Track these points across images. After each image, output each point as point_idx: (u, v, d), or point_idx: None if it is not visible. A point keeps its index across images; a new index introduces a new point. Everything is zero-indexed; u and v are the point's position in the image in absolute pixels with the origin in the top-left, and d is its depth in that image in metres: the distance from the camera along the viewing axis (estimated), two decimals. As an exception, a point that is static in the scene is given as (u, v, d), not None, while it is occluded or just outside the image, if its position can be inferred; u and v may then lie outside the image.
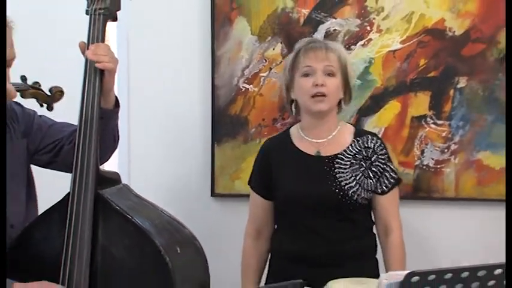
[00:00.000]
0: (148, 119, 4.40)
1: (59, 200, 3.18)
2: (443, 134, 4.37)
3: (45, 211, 3.15)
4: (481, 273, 2.72)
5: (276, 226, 3.89)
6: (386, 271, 3.72)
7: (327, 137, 3.80)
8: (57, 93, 2.78)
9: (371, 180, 3.74)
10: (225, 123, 4.46)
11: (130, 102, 4.08)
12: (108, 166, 3.79)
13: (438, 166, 4.36)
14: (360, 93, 4.32)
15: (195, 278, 3.36)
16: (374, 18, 4.37)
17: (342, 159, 3.76)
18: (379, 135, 4.15)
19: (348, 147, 3.78)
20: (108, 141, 3.43)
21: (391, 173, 3.78)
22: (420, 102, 4.40)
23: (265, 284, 3.91)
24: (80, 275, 3.15)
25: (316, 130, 3.78)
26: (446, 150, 4.34)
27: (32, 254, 3.20)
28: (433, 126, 4.38)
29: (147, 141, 4.49)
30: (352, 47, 4.32)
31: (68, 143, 3.22)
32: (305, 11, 4.39)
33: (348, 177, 3.72)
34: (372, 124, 4.37)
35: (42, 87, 2.73)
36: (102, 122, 3.13)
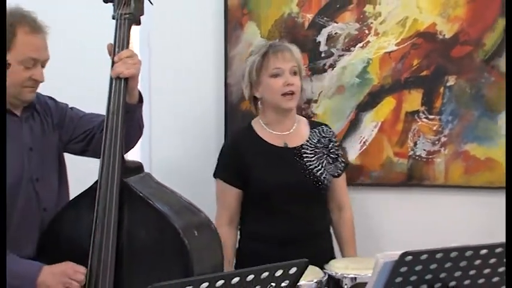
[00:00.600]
0: (167, 114, 4.41)
1: (88, 187, 3.22)
2: (434, 128, 4.39)
3: (75, 197, 3.18)
4: (468, 253, 2.73)
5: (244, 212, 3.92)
6: (340, 243, 3.95)
7: (290, 130, 3.88)
8: None
9: (331, 165, 3.89)
10: (236, 118, 4.47)
11: (152, 99, 4.09)
12: (132, 157, 3.81)
13: (429, 156, 4.38)
14: (358, 90, 4.35)
15: (210, 258, 3.36)
16: (372, 23, 4.38)
17: (307, 149, 3.87)
18: (376, 129, 4.19)
19: (309, 138, 3.89)
20: (134, 130, 3.47)
21: (342, 158, 3.97)
22: (413, 99, 4.40)
23: (236, 266, 3.89)
24: (107, 255, 3.17)
25: (281, 124, 3.86)
26: (437, 142, 4.35)
27: (63, 235, 3.22)
28: (425, 120, 4.39)
29: (167, 134, 4.50)
30: (352, 48, 4.33)
31: (98, 132, 3.25)
32: (309, 16, 4.40)
33: (316, 164, 3.84)
34: (370, 119, 4.39)
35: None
36: (129, 115, 3.16)
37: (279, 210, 3.76)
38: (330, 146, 3.88)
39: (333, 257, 3.81)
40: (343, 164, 3.94)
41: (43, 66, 3.19)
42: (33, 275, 3.06)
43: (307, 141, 3.84)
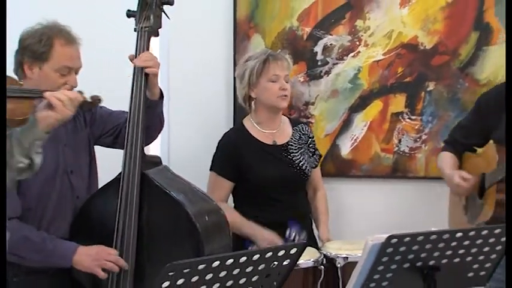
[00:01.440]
0: (184, 113, 4.41)
1: (113, 177, 3.25)
2: (416, 127, 4.40)
3: (103, 186, 3.20)
4: (445, 236, 2.74)
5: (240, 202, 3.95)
6: (316, 215, 4.01)
7: (276, 129, 3.90)
8: (96, 100, 2.80)
9: (310, 158, 3.94)
10: (243, 115, 4.46)
11: (170, 100, 4.08)
12: (152, 151, 3.82)
13: (412, 152, 4.40)
14: (350, 94, 4.36)
15: (219, 240, 3.38)
16: (362, 35, 4.38)
17: (292, 145, 3.91)
18: (366, 128, 4.21)
19: (292, 136, 3.92)
20: (156, 123, 3.49)
21: (317, 151, 4.03)
22: (398, 102, 4.41)
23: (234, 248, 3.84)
24: (129, 236, 3.21)
25: (271, 123, 3.90)
26: (418, 140, 4.37)
27: (92, 219, 3.23)
28: (408, 120, 4.40)
29: (183, 130, 4.50)
30: (345, 57, 4.34)
31: (124, 127, 3.25)
32: (307, 29, 4.40)
33: (301, 159, 3.90)
34: (360, 119, 4.40)
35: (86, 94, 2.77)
36: (150, 109, 3.20)
37: (272, 199, 3.81)
38: (309, 141, 3.95)
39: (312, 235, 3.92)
40: (318, 157, 4.01)
41: (76, 73, 3.20)
42: (69, 254, 3.08)
43: (291, 138, 3.89)
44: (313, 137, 4.01)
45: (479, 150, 3.84)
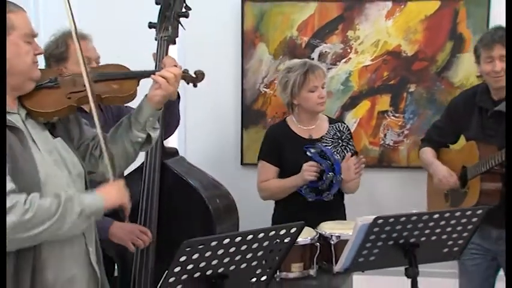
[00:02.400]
0: (198, 112, 4.41)
1: (138, 166, 3.28)
2: (399, 123, 4.41)
3: (129, 172, 3.18)
4: (424, 218, 2.74)
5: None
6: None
7: (314, 125, 3.84)
8: (199, 75, 2.78)
9: (344, 152, 3.82)
10: (250, 115, 4.49)
11: (187, 100, 4.08)
12: (171, 144, 3.82)
13: (395, 145, 4.41)
14: (342, 95, 4.37)
15: (228, 221, 3.43)
16: (352, 44, 4.39)
17: (326, 139, 3.82)
18: (356, 124, 4.22)
19: (328, 132, 3.84)
20: (173, 120, 3.54)
21: (351, 147, 3.88)
22: (383, 101, 4.42)
23: (273, 222, 3.89)
24: (151, 217, 3.27)
25: (309, 121, 3.82)
26: (401, 134, 4.38)
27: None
28: (392, 117, 4.41)
29: (198, 127, 4.51)
30: (338, 63, 4.35)
31: None
32: (306, 39, 4.41)
33: (335, 152, 3.79)
34: (351, 116, 4.40)
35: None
36: (169, 109, 3.18)
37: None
38: (343, 137, 3.85)
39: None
40: (353, 151, 3.86)
41: (97, 63, 3.22)
42: (106, 227, 3.09)
43: (326, 134, 3.82)
44: (349, 134, 3.91)
45: (455, 146, 3.84)
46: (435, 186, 3.82)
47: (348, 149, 3.84)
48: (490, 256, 3.53)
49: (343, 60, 4.39)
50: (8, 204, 2.11)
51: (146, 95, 2.59)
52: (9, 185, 2.16)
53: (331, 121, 3.90)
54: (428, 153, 3.82)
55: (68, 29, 3.00)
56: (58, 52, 3.17)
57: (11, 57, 2.28)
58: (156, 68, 3.07)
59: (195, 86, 2.84)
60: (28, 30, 2.34)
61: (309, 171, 3.65)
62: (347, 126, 3.95)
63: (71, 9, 2.52)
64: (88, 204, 2.33)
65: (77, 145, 2.59)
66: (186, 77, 2.72)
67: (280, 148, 3.82)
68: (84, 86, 2.47)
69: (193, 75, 2.77)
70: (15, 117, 2.34)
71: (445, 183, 3.65)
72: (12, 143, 2.25)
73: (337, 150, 3.80)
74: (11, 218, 2.11)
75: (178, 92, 3.11)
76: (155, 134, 2.66)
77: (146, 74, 2.61)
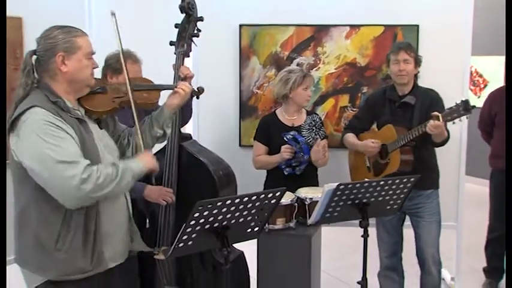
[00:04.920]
0: (207, 107, 4.38)
1: (161, 147, 3.28)
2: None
3: (155, 152, 3.15)
4: (373, 183, 2.76)
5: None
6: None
7: (296, 116, 3.83)
8: (200, 90, 2.81)
9: (316, 136, 3.82)
10: (246, 109, 4.45)
11: (199, 98, 4.08)
12: (187, 131, 3.81)
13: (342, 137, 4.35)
14: (314, 94, 4.30)
15: (228, 188, 3.44)
16: (321, 57, 4.37)
17: (304, 127, 3.82)
18: (324, 116, 4.21)
19: (305, 121, 3.84)
20: (188, 114, 3.56)
21: (323, 133, 3.89)
22: (344, 99, 4.39)
23: (264, 188, 3.87)
24: (172, 183, 3.28)
25: (293, 113, 3.83)
26: (344, 129, 4.29)
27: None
28: (350, 111, 4.38)
29: (206, 118, 4.48)
30: (310, 71, 4.27)
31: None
32: (286, 53, 4.38)
33: (310, 136, 3.81)
34: (320, 110, 4.37)
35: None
36: (186, 106, 3.15)
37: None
38: (317, 125, 3.85)
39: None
40: (323, 136, 3.86)
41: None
42: (141, 189, 3.13)
43: (304, 122, 3.82)
44: (321, 123, 3.90)
45: (373, 130, 3.89)
46: (355, 162, 3.99)
47: (319, 134, 3.84)
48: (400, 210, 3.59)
49: (314, 68, 4.35)
50: (84, 176, 2.19)
51: (166, 102, 2.67)
52: (85, 161, 2.24)
53: (308, 113, 3.91)
54: (351, 137, 3.89)
55: (128, 50, 3.00)
56: (116, 66, 3.19)
57: (76, 69, 2.35)
58: (175, 76, 3.06)
59: (197, 98, 2.89)
60: (89, 49, 2.40)
61: (285, 152, 3.68)
62: (319, 116, 3.95)
63: (119, 33, 2.57)
64: (135, 168, 2.41)
65: (111, 135, 2.63)
66: (192, 92, 2.78)
67: (269, 133, 3.82)
68: (125, 93, 2.55)
69: (196, 90, 2.82)
70: (79, 112, 2.42)
71: (375, 148, 3.68)
72: (81, 130, 2.34)
73: (312, 134, 3.81)
74: (88, 186, 2.20)
75: (191, 94, 3.12)
76: (169, 131, 2.74)
77: (167, 87, 2.71)
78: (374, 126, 3.89)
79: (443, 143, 3.54)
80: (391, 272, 3.90)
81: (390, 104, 3.71)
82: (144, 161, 2.47)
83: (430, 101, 3.59)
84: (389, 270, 3.90)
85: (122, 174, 2.31)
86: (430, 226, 3.70)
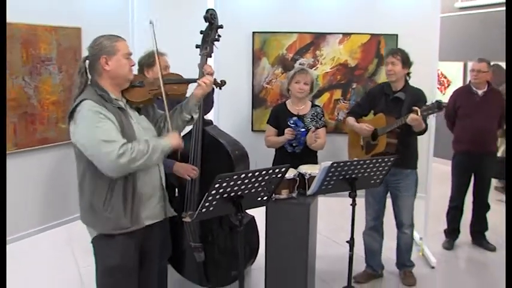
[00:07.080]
0: (226, 99, 4.34)
1: (188, 131, 3.23)
2: (346, 106, 4.31)
3: (183, 135, 3.12)
4: (361, 162, 2.71)
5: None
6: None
7: (302, 106, 3.78)
8: (222, 82, 2.78)
9: (317, 124, 3.74)
10: (257, 101, 4.41)
11: (220, 92, 4.02)
12: (209, 117, 3.76)
13: (343, 119, 4.27)
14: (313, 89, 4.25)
15: (243, 164, 3.43)
16: (319, 58, 4.31)
17: (308, 116, 3.76)
18: (322, 106, 4.13)
19: (309, 111, 3.77)
20: (210, 103, 3.50)
21: (322, 122, 3.80)
22: (337, 94, 4.33)
23: (272, 165, 3.82)
24: (197, 161, 3.25)
25: (298, 103, 3.77)
26: (347, 113, 4.25)
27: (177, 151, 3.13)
28: (342, 103, 4.33)
29: (225, 108, 4.43)
30: (310, 70, 4.22)
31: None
32: (291, 55, 4.33)
33: (312, 124, 3.75)
34: (318, 101, 4.30)
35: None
36: (208, 97, 3.11)
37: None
38: (318, 115, 3.77)
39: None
40: (323, 124, 3.76)
41: (166, 70, 3.21)
42: (171, 165, 3.10)
43: (308, 112, 3.76)
44: (322, 113, 3.82)
45: (368, 117, 3.87)
46: (353, 142, 3.94)
47: (320, 123, 3.79)
48: (385, 183, 3.59)
49: (314, 68, 4.29)
50: (121, 151, 2.25)
51: (192, 93, 2.66)
52: (122, 140, 2.29)
53: (312, 105, 3.85)
54: (351, 120, 3.87)
55: (158, 49, 2.98)
56: (149, 62, 3.20)
57: (116, 67, 2.40)
58: (199, 73, 3.01)
59: (220, 88, 2.86)
60: (127, 51, 2.45)
61: (287, 133, 3.65)
62: (321, 108, 3.89)
63: (155, 37, 2.58)
64: (164, 145, 2.43)
65: (151, 120, 2.64)
66: (215, 83, 2.75)
67: (278, 118, 3.79)
68: (159, 86, 2.54)
69: (219, 82, 2.79)
70: (121, 103, 2.46)
71: (368, 131, 3.68)
72: (121, 116, 2.38)
73: (313, 123, 3.76)
74: (123, 159, 2.25)
75: (213, 87, 3.07)
76: (196, 116, 2.72)
77: (193, 81, 2.67)
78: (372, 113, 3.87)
79: (421, 133, 3.57)
80: (374, 232, 3.91)
81: (385, 97, 3.71)
82: (171, 139, 2.48)
83: (417, 98, 3.59)
84: (372, 231, 3.91)
85: (152, 149, 2.35)
86: (407, 199, 3.76)
